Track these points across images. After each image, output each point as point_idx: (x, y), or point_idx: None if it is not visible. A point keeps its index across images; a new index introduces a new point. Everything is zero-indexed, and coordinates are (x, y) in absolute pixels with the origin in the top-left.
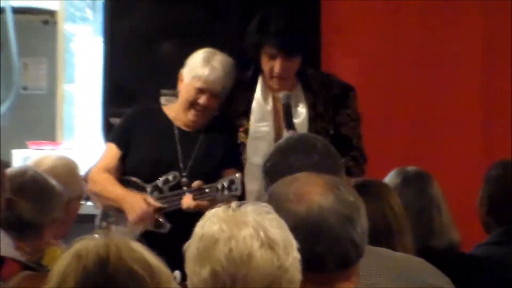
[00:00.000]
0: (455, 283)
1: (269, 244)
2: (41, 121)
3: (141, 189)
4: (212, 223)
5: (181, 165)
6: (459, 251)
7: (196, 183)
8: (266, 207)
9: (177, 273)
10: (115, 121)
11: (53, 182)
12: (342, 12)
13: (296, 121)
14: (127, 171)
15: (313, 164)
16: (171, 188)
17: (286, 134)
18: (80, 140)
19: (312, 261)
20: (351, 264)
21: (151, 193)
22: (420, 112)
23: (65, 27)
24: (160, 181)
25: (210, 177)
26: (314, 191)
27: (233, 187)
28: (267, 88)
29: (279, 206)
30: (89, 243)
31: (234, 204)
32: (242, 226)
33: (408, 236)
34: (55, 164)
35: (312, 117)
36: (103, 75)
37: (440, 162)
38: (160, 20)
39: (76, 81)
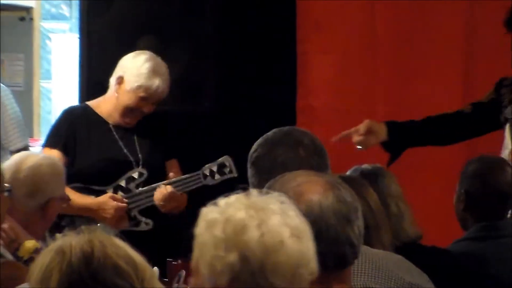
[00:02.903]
0: (432, 279)
1: (296, 233)
2: None
3: (101, 193)
4: (237, 208)
5: (133, 162)
6: (440, 247)
7: (172, 175)
8: (282, 196)
9: (155, 269)
10: None
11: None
12: (317, 9)
13: None
14: (74, 177)
15: (298, 159)
16: (137, 186)
17: None
18: None
19: None
20: (347, 265)
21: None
22: (399, 109)
23: (42, 23)
24: (123, 180)
25: (161, 169)
26: (314, 190)
27: (226, 170)
28: None
29: None
30: (72, 239)
31: (253, 191)
32: (270, 213)
33: (386, 232)
34: (40, 162)
35: None
36: (79, 72)
37: (420, 157)
38: (136, 17)
39: (53, 78)
